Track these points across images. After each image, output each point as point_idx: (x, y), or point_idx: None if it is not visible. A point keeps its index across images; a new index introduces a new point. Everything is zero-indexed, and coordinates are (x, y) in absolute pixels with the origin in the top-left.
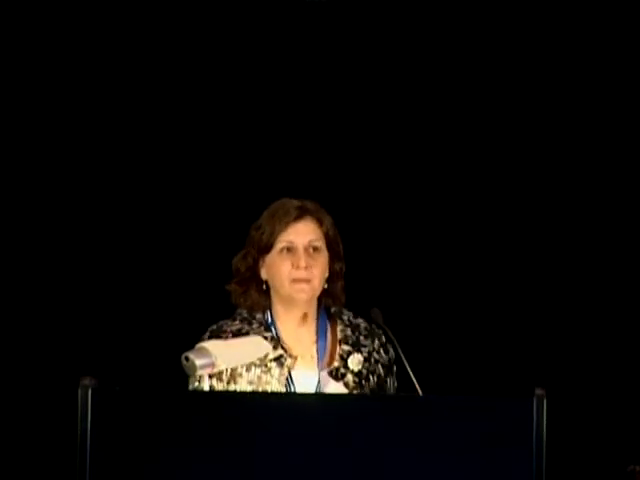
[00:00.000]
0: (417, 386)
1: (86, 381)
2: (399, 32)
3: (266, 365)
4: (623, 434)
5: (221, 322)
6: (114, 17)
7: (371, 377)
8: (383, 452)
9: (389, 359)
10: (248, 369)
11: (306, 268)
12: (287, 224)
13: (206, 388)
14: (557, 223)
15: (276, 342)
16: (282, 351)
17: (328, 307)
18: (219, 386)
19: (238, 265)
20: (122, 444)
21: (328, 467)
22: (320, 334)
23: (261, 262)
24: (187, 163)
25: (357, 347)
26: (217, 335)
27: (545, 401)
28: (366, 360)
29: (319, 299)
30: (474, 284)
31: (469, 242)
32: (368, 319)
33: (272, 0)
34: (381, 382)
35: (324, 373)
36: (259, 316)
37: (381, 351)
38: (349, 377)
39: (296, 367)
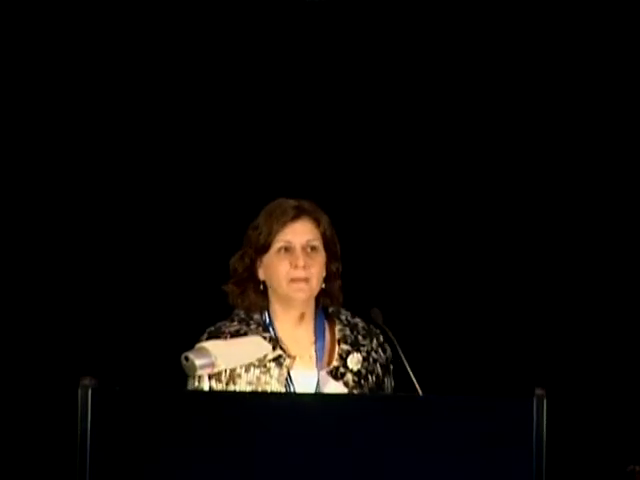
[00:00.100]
0: (417, 386)
1: (86, 381)
2: (398, 32)
3: (265, 365)
4: (623, 434)
5: (219, 323)
6: (114, 17)
7: (370, 376)
8: (383, 452)
9: (387, 358)
10: (247, 370)
11: (304, 267)
12: (284, 224)
13: (206, 388)
14: (557, 223)
15: (274, 342)
16: (281, 351)
17: (326, 307)
18: (218, 387)
19: (235, 265)
20: (122, 444)
21: (328, 467)
22: (318, 334)
23: (258, 262)
24: (185, 164)
25: (356, 346)
26: (215, 336)
27: (545, 401)
28: (365, 359)
29: (317, 299)
30: (474, 284)
31: (469, 242)
32: (367, 319)
33: (272, 0)
34: (379, 382)
35: (323, 373)
36: (257, 317)
37: (379, 350)
38: (349, 376)
39: (295, 367)
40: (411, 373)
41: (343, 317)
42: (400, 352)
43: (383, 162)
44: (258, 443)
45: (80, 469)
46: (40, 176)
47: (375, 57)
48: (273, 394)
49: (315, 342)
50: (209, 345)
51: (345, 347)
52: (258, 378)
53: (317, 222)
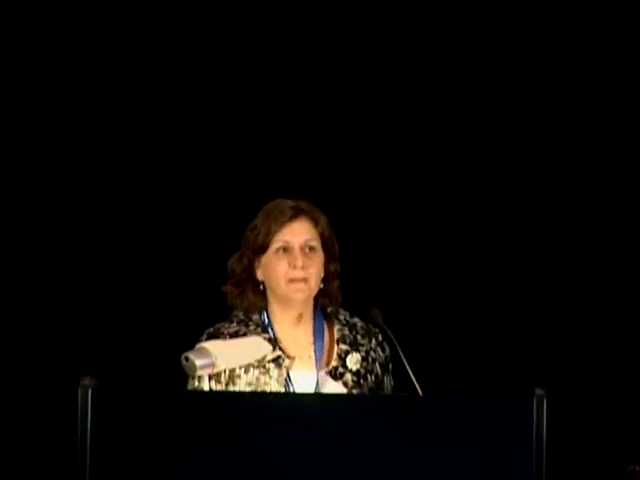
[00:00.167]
0: (417, 386)
1: (86, 381)
2: (398, 32)
3: (264, 366)
4: (623, 434)
5: (218, 324)
6: (114, 17)
7: (369, 376)
8: (383, 452)
9: (386, 357)
10: (246, 371)
11: (303, 267)
12: (282, 224)
13: (206, 388)
14: (557, 223)
15: (274, 343)
16: (280, 352)
17: (325, 307)
18: (217, 388)
19: (234, 266)
20: (122, 444)
21: (328, 467)
22: (317, 334)
23: (257, 263)
24: (183, 166)
25: (355, 346)
26: (214, 337)
27: (545, 401)
28: (364, 359)
29: (315, 299)
30: (474, 284)
31: (469, 242)
32: (367, 319)
33: (272, 0)
34: (379, 381)
35: (322, 373)
36: (256, 317)
37: (378, 350)
38: (348, 376)
39: (294, 368)
40: (411, 373)
41: (342, 317)
42: (400, 352)
43: (383, 162)
44: (258, 443)
45: (80, 469)
46: (40, 176)
47: (375, 57)
48: (273, 394)
49: (314, 342)
50: (209, 345)
51: (344, 347)
52: (257, 379)
53: (315, 222)
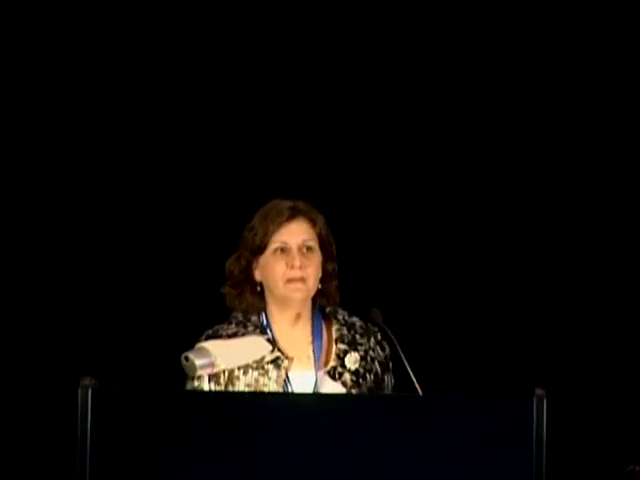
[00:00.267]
0: (417, 386)
1: (86, 381)
2: (398, 32)
3: (263, 368)
4: (623, 434)
5: (217, 326)
6: (114, 17)
7: (368, 375)
8: (383, 452)
9: (385, 356)
10: (245, 372)
11: (300, 267)
12: (280, 224)
13: (206, 388)
14: (557, 223)
15: (273, 344)
16: (279, 353)
17: (323, 307)
18: (216, 389)
19: (232, 268)
20: (122, 444)
21: (328, 467)
22: (316, 334)
23: (255, 264)
24: (181, 167)
25: (353, 346)
26: (213, 339)
27: (545, 401)
28: (363, 358)
29: (313, 299)
30: (474, 284)
31: (468, 242)
32: (367, 319)
33: (272, 0)
34: (378, 380)
35: (321, 373)
36: (254, 318)
37: (377, 348)
38: (346, 376)
39: (293, 368)
40: (411, 373)
41: (340, 317)
42: (400, 352)
43: (382, 162)
44: (258, 443)
45: (80, 469)
46: (40, 177)
47: (374, 57)
48: (273, 394)
49: (312, 342)
50: (209, 345)
51: (342, 346)
52: (256, 380)
53: (312, 222)
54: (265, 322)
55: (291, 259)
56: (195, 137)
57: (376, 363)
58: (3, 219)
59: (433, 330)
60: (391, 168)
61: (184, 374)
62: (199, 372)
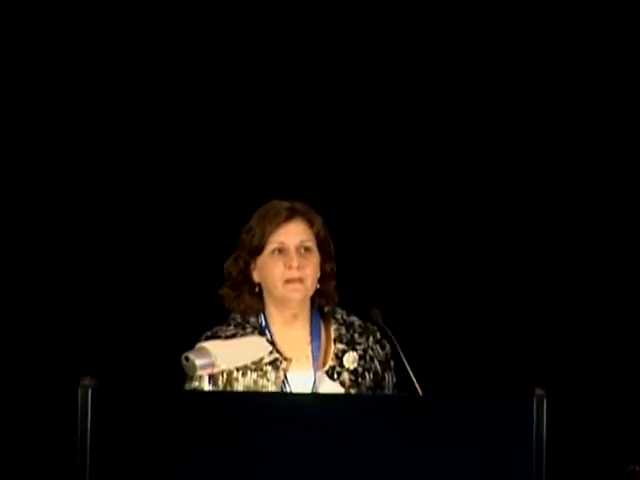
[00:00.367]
0: (417, 386)
1: (86, 381)
2: (398, 32)
3: (262, 369)
4: (623, 434)
5: (215, 328)
6: (114, 17)
7: (367, 375)
8: (383, 452)
9: (386, 354)
10: (244, 374)
11: (298, 268)
12: (278, 225)
13: (206, 388)
14: (557, 223)
15: (271, 345)
16: (277, 354)
17: (321, 307)
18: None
19: (230, 269)
20: (122, 444)
21: (328, 467)
22: (314, 334)
23: (253, 265)
24: (180, 168)
25: (352, 345)
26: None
27: (545, 401)
28: (361, 358)
29: (312, 300)
30: (474, 284)
31: (468, 242)
32: (367, 319)
33: (272, 0)
34: (378, 379)
35: (320, 373)
36: (253, 320)
37: (377, 347)
38: (345, 376)
39: (291, 369)
40: (411, 373)
41: (339, 316)
42: (400, 352)
43: (381, 162)
44: (258, 443)
45: (80, 469)
46: (40, 177)
47: (374, 58)
48: (273, 394)
49: (311, 342)
50: (209, 345)
51: (341, 346)
52: (255, 382)
53: (310, 223)
54: (264, 323)
55: (289, 260)
56: (194, 138)
57: (375, 362)
58: (3, 219)
59: (433, 330)
60: (390, 168)
61: (184, 374)
62: (199, 372)
